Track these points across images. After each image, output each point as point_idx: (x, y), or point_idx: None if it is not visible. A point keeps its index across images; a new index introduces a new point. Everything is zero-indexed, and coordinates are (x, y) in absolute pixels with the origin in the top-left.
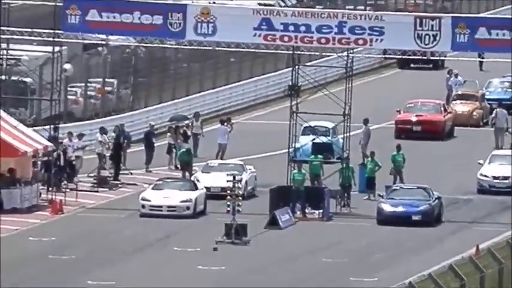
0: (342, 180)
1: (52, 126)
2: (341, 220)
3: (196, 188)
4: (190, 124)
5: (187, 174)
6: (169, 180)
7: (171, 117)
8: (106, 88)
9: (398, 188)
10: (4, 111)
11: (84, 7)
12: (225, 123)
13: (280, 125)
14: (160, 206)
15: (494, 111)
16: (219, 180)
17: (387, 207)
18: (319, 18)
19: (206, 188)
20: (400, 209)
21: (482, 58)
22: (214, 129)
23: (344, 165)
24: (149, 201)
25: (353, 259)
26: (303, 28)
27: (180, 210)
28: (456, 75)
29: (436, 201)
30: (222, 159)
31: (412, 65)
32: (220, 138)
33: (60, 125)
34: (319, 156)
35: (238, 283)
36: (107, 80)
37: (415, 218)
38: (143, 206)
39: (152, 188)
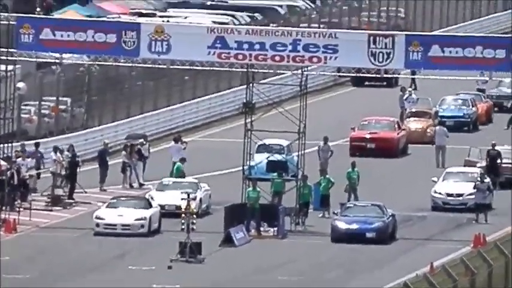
0: (300, 198)
1: (6, 145)
2: (296, 238)
3: (151, 206)
4: (143, 144)
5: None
6: (123, 198)
7: (127, 136)
8: (60, 106)
9: (352, 205)
10: None
11: (38, 26)
12: (179, 141)
13: (235, 143)
14: (115, 225)
15: (434, 129)
16: (173, 198)
17: (341, 225)
18: (274, 36)
19: (160, 206)
20: (354, 226)
21: (414, 74)
22: (168, 148)
23: (301, 183)
24: (103, 219)
25: (308, 277)
26: (257, 46)
27: (135, 228)
28: (410, 94)
29: (390, 218)
30: (176, 177)
31: (366, 83)
32: (174, 156)
33: (14, 144)
34: (274, 174)
35: None
36: (60, 98)
37: (369, 235)
38: (97, 225)
39: (106, 207)
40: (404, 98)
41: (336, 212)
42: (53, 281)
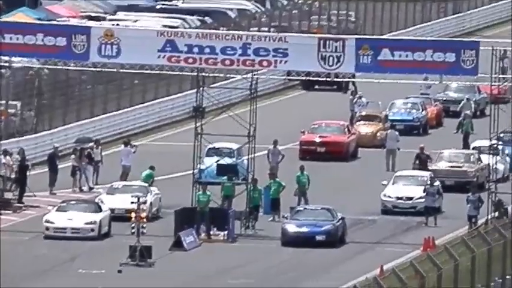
0: (250, 201)
1: None
2: (246, 241)
3: (101, 210)
4: (93, 148)
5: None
6: (73, 202)
7: (76, 139)
8: (9, 110)
9: (302, 208)
10: None
11: None
12: (129, 145)
13: (185, 147)
14: (65, 228)
15: (386, 133)
16: (123, 201)
17: (291, 228)
18: (224, 40)
19: (110, 209)
20: (304, 229)
21: (353, 77)
22: (118, 151)
23: (251, 186)
24: (53, 223)
25: (258, 280)
26: (207, 50)
27: (85, 232)
28: (360, 97)
29: (340, 221)
30: (125, 180)
31: (316, 87)
32: (124, 159)
33: None
34: (224, 177)
35: None
36: (10, 102)
37: (319, 238)
38: (47, 228)
39: (56, 210)
40: (354, 101)
41: (285, 215)
42: (2, 284)
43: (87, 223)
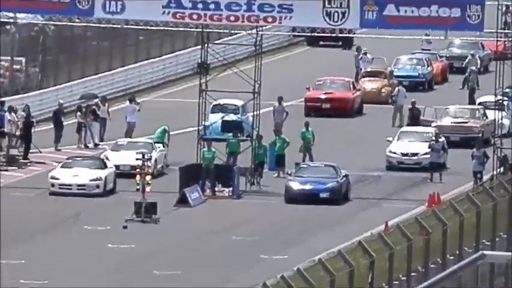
0: (255, 158)
1: None
2: (251, 198)
3: (106, 167)
4: (98, 104)
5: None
6: (78, 158)
7: (81, 96)
8: (14, 66)
9: (306, 166)
10: None
11: None
12: (134, 102)
13: (190, 103)
14: (70, 185)
15: (396, 89)
16: (128, 158)
17: (295, 185)
18: None
19: (115, 166)
20: (308, 186)
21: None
22: (123, 108)
23: (256, 143)
24: (58, 179)
25: (263, 237)
26: (212, 6)
27: (90, 188)
28: (365, 53)
29: (344, 179)
30: (130, 137)
31: (321, 43)
32: (129, 116)
33: None
34: (229, 134)
35: (148, 261)
36: (15, 58)
37: (323, 195)
38: (52, 185)
39: (61, 167)
40: (359, 57)
41: (289, 172)
42: (9, 241)
43: (92, 179)
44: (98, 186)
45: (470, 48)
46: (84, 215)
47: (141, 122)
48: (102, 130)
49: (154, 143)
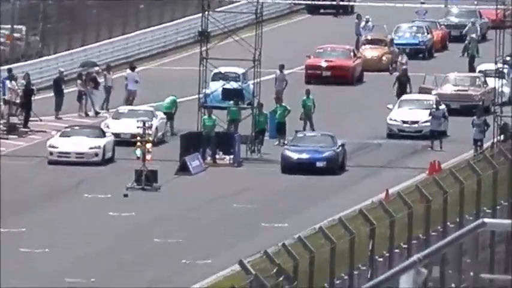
0: (255, 126)
1: None
2: (251, 166)
3: (105, 135)
4: (100, 72)
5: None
6: (77, 127)
7: (81, 64)
8: (15, 34)
9: (302, 135)
10: None
11: None
12: (134, 69)
13: (190, 71)
14: (69, 153)
15: (405, 58)
16: (129, 126)
17: (291, 154)
18: None
19: (116, 134)
20: (304, 155)
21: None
22: (123, 76)
23: (257, 111)
24: (57, 148)
25: (263, 205)
26: None
27: (89, 157)
28: (367, 21)
29: (340, 148)
30: (131, 105)
31: (321, 11)
32: (130, 84)
33: None
34: (230, 101)
35: (149, 229)
36: (15, 26)
37: (319, 164)
38: (51, 153)
39: (60, 135)
40: (361, 25)
41: (285, 142)
42: (10, 211)
43: (91, 148)
44: (96, 155)
45: (468, 17)
46: (85, 184)
47: (142, 90)
48: (106, 99)
49: (164, 113)
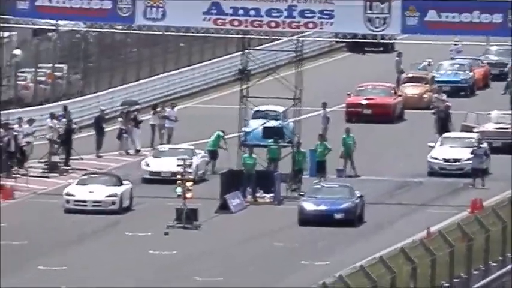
0: (293, 164)
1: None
2: (291, 204)
3: (121, 183)
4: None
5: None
6: (94, 175)
7: (122, 102)
8: (56, 73)
9: (319, 186)
10: None
11: None
12: (175, 108)
13: (231, 109)
14: (85, 201)
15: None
16: (169, 164)
17: (309, 206)
18: (269, 2)
19: (156, 172)
20: (322, 207)
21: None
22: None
23: (295, 149)
24: (73, 196)
25: (303, 243)
26: (252, 12)
27: (106, 205)
28: (429, 64)
29: (358, 200)
30: (169, 143)
31: (365, 48)
32: (169, 122)
33: (10, 111)
34: (270, 140)
35: (189, 267)
36: (56, 65)
37: (337, 216)
38: (67, 201)
39: (77, 184)
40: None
41: (302, 193)
42: (50, 247)
43: (108, 196)
44: (113, 203)
45: (507, 55)
46: (125, 222)
47: (181, 128)
48: (166, 136)
49: (209, 151)
